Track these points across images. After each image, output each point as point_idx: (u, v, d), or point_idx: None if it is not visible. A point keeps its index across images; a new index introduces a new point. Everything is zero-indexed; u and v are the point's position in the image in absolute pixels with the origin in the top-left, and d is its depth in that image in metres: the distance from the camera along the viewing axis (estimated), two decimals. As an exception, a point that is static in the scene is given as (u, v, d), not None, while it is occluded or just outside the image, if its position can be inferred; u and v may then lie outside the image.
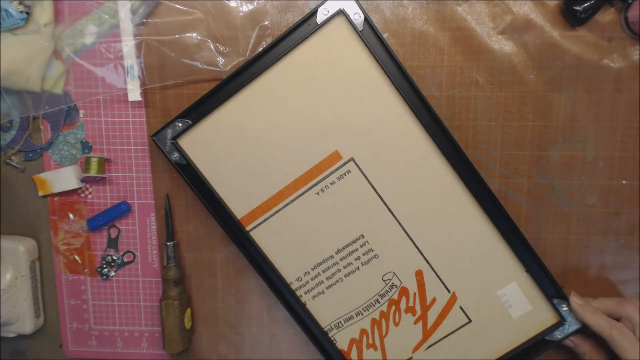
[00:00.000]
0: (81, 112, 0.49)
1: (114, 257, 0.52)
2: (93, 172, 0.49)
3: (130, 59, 0.47)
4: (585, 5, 0.44)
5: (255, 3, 0.47)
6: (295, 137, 0.46)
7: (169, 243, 0.50)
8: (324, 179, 0.46)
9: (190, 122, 0.45)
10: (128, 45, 0.47)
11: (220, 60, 0.47)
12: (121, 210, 0.50)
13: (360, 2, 0.44)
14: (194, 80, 0.48)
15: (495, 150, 0.48)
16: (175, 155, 0.45)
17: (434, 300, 0.48)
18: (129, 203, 0.50)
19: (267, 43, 0.47)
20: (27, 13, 0.44)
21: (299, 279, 0.48)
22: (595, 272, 0.49)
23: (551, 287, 0.46)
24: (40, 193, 0.50)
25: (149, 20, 0.46)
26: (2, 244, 0.49)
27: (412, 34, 0.47)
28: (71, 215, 0.51)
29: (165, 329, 0.49)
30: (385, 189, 0.46)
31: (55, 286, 0.53)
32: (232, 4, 0.47)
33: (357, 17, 0.43)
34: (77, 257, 0.52)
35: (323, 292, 0.48)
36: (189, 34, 0.47)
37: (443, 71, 0.47)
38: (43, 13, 0.45)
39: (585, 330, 0.46)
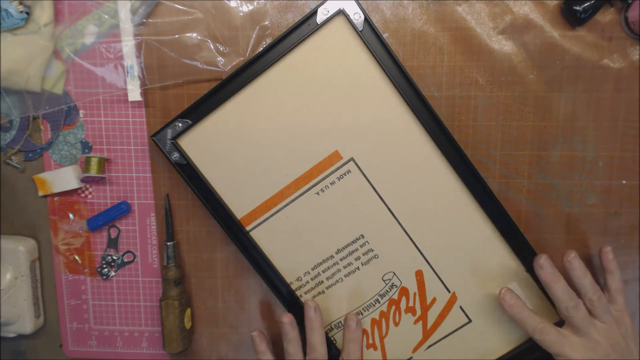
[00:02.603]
0: (81, 112, 0.49)
1: (114, 257, 0.52)
2: (93, 172, 0.49)
3: (130, 59, 0.47)
4: (585, 5, 0.44)
5: (255, 3, 0.47)
6: (295, 137, 0.46)
7: (169, 243, 0.50)
8: (324, 179, 0.46)
9: (190, 122, 0.45)
10: (128, 45, 0.47)
11: (220, 60, 0.47)
12: (121, 210, 0.50)
13: (360, 2, 0.44)
14: (194, 80, 0.48)
15: (495, 150, 0.48)
16: (175, 155, 0.45)
17: (434, 300, 0.48)
18: (129, 203, 0.50)
19: (267, 43, 0.47)
20: (27, 13, 0.44)
21: (299, 279, 0.48)
22: (596, 272, 0.49)
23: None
24: (40, 193, 0.50)
25: (149, 20, 0.46)
26: (2, 244, 0.49)
27: (412, 34, 0.47)
28: (71, 215, 0.51)
29: (165, 329, 0.49)
30: (385, 189, 0.46)
31: (55, 286, 0.53)
32: (232, 4, 0.47)
33: (357, 17, 0.43)
34: (77, 257, 0.52)
35: (323, 292, 0.48)
36: (189, 34, 0.47)
37: (443, 71, 0.47)
38: (43, 13, 0.45)
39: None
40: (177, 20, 0.47)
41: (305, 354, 0.47)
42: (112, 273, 0.52)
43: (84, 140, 0.50)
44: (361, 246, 0.47)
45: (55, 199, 0.51)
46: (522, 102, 0.47)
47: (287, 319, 0.46)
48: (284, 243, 0.47)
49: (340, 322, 0.49)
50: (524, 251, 0.46)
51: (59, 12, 0.47)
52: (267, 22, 0.47)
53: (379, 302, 0.48)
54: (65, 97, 0.48)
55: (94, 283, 0.52)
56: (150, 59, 0.47)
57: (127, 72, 0.47)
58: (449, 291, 0.48)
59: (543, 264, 0.45)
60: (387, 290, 0.48)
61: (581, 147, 0.48)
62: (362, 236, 0.47)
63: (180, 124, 0.45)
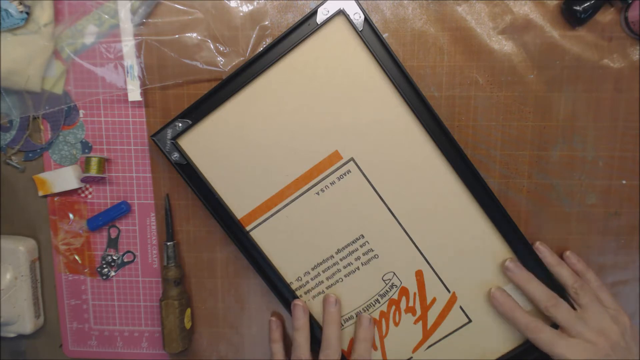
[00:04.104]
0: (81, 112, 0.49)
1: (114, 257, 0.52)
2: (93, 172, 0.49)
3: (130, 59, 0.47)
4: (585, 5, 0.44)
5: (255, 3, 0.47)
6: (295, 137, 0.46)
7: (169, 243, 0.50)
8: (324, 179, 0.46)
9: (190, 122, 0.45)
10: (128, 45, 0.47)
11: (220, 60, 0.47)
12: (121, 210, 0.50)
13: (360, 2, 0.44)
14: (194, 80, 0.48)
15: (495, 150, 0.48)
16: (175, 155, 0.45)
17: (434, 300, 0.48)
18: (129, 203, 0.50)
19: (267, 43, 0.47)
20: (27, 13, 0.44)
21: (299, 279, 0.48)
22: (595, 272, 0.49)
23: (551, 287, 0.46)
24: (40, 193, 0.50)
25: (149, 20, 0.46)
26: (2, 244, 0.49)
27: (412, 34, 0.47)
28: (71, 215, 0.51)
29: (165, 329, 0.49)
30: (385, 189, 0.46)
31: (55, 286, 0.53)
32: (232, 4, 0.47)
33: (357, 17, 0.43)
34: (77, 257, 0.52)
35: (323, 292, 0.48)
36: (189, 34, 0.47)
37: (443, 71, 0.47)
38: (43, 13, 0.45)
39: None
40: (177, 20, 0.47)
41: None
42: (112, 273, 0.52)
43: (84, 140, 0.50)
44: (361, 246, 0.47)
45: (55, 199, 0.51)
46: (522, 102, 0.47)
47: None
48: (284, 243, 0.47)
49: (340, 322, 0.49)
50: (524, 251, 0.46)
51: (59, 12, 0.47)
52: (267, 22, 0.47)
53: (379, 302, 0.48)
54: (65, 97, 0.48)
55: (94, 283, 0.52)
56: (150, 59, 0.47)
57: (127, 72, 0.47)
58: (449, 291, 0.48)
59: (508, 266, 0.45)
60: (387, 290, 0.48)
61: (581, 147, 0.48)
62: (362, 236, 0.47)
63: (180, 124, 0.45)
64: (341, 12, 0.43)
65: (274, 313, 0.51)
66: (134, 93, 0.48)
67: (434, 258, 0.47)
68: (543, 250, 0.46)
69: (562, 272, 0.45)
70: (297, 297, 0.48)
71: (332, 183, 0.46)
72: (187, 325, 0.50)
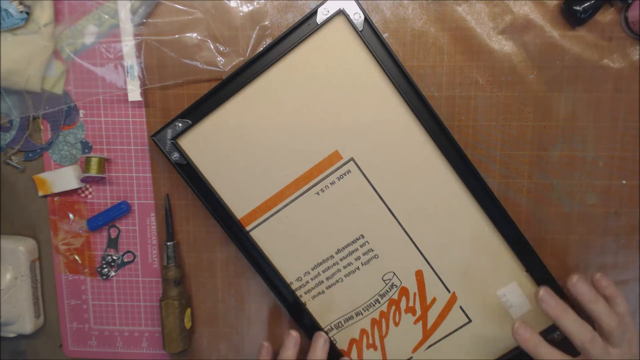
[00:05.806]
0: (81, 112, 0.49)
1: (114, 257, 0.52)
2: (93, 172, 0.49)
3: (130, 59, 0.47)
4: (585, 5, 0.44)
5: (255, 3, 0.47)
6: (295, 137, 0.46)
7: (169, 243, 0.50)
8: (324, 179, 0.46)
9: (190, 122, 0.45)
10: (128, 45, 0.47)
11: (220, 60, 0.47)
12: (121, 210, 0.50)
13: (360, 2, 0.44)
14: (194, 80, 0.48)
15: (495, 150, 0.48)
16: (175, 155, 0.45)
17: (434, 300, 0.48)
18: (129, 203, 0.50)
19: (267, 43, 0.47)
20: (27, 13, 0.44)
21: (299, 279, 0.48)
22: (595, 272, 0.49)
23: (551, 287, 0.46)
24: (40, 193, 0.50)
25: (149, 20, 0.46)
26: (2, 244, 0.49)
27: (412, 34, 0.47)
28: (71, 215, 0.51)
29: (165, 329, 0.49)
30: (385, 189, 0.46)
31: (55, 286, 0.53)
32: (232, 4, 0.47)
33: (357, 17, 0.43)
34: (77, 257, 0.52)
35: (323, 292, 0.48)
36: (189, 34, 0.47)
37: (443, 71, 0.47)
38: (43, 13, 0.45)
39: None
40: (177, 20, 0.47)
41: None
42: (112, 273, 0.52)
43: (84, 140, 0.50)
44: (361, 246, 0.47)
45: (55, 199, 0.51)
46: (522, 102, 0.47)
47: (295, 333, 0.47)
48: (284, 243, 0.47)
49: (340, 322, 0.49)
50: (523, 251, 0.46)
51: (59, 12, 0.47)
52: (267, 22, 0.47)
53: (379, 302, 0.48)
54: (65, 97, 0.48)
55: (94, 283, 0.52)
56: (150, 59, 0.47)
57: (127, 72, 0.47)
58: (449, 291, 0.48)
59: (543, 296, 0.42)
60: (387, 290, 0.48)
61: (581, 147, 0.48)
62: (362, 236, 0.47)
63: (180, 124, 0.45)
64: (341, 12, 0.43)
65: (265, 342, 0.49)
66: (134, 93, 0.48)
67: (434, 258, 0.47)
68: (580, 287, 0.42)
69: (600, 309, 0.42)
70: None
71: (332, 183, 0.46)
72: (187, 325, 0.50)
